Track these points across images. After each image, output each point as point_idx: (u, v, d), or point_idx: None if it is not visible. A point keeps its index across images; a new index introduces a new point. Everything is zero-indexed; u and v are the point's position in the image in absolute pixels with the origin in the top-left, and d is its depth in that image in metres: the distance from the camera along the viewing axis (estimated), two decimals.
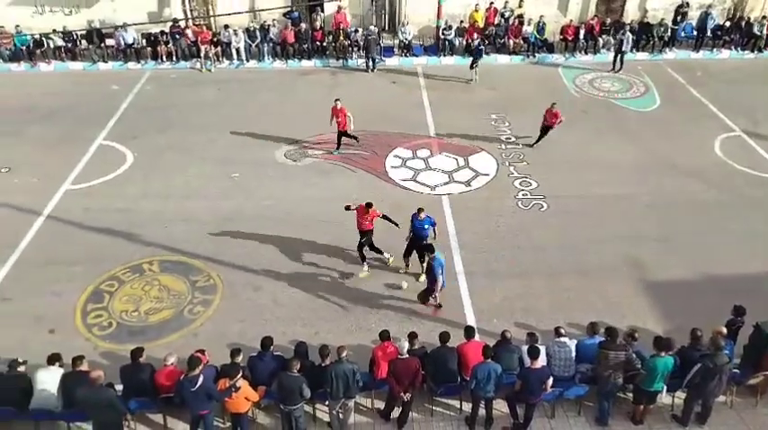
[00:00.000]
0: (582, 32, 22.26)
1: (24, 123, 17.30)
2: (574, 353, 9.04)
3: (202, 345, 9.44)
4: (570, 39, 22.30)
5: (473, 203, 14.02)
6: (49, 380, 8.38)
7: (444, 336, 9.01)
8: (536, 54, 22.27)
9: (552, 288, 11.54)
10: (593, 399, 9.07)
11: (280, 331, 10.26)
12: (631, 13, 23.75)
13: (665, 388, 8.78)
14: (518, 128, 17.34)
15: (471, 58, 20.29)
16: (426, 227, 11.28)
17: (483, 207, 13.83)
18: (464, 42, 22.13)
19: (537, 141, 16.16)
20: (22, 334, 10.29)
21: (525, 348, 8.78)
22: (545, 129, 16.04)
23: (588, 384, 8.95)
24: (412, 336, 9.12)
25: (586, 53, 22.45)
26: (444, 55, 22.20)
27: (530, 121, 17.17)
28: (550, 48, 22.53)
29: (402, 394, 8.56)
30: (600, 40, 22.31)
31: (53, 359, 8.56)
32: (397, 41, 22.50)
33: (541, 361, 8.49)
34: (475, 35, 21.41)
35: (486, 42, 21.93)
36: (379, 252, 11.89)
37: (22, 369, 8.56)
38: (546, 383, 8.41)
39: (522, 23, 22.25)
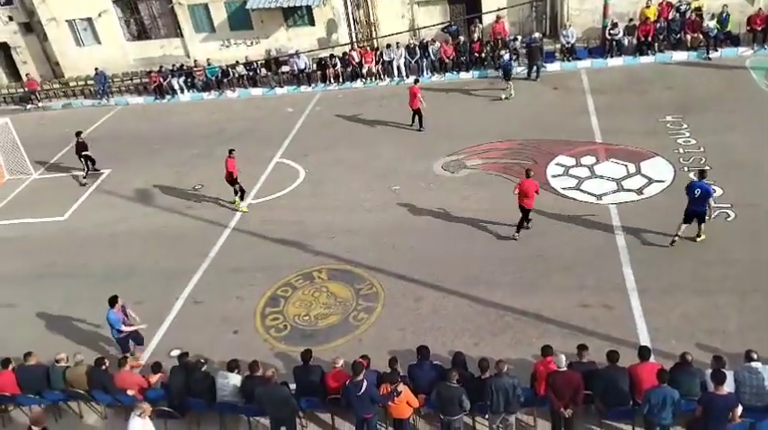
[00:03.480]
0: None
1: (214, 145, 19.40)
2: None
3: (365, 351, 9.87)
4: (759, 29, 19.85)
5: (646, 213, 12.98)
6: (229, 384, 9.14)
7: (613, 356, 8.45)
8: (718, 48, 20.15)
9: (742, 307, 10.29)
10: None
11: (439, 341, 10.38)
12: None
13: None
14: (699, 129, 15.80)
15: (503, 72, 19.69)
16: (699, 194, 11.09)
17: (658, 217, 12.71)
18: (634, 41, 20.77)
19: None
20: (211, 334, 11.53)
21: (709, 372, 7.94)
22: None
23: None
24: (581, 348, 8.75)
25: None
26: (612, 56, 21.00)
27: (713, 122, 15.60)
28: (735, 41, 20.25)
29: (562, 410, 8.18)
30: None
31: (232, 366, 9.29)
32: (558, 46, 21.74)
33: (728, 387, 7.63)
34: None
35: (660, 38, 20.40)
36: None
37: (204, 369, 9.52)
38: (733, 412, 7.53)
39: (700, 17, 20.31)
